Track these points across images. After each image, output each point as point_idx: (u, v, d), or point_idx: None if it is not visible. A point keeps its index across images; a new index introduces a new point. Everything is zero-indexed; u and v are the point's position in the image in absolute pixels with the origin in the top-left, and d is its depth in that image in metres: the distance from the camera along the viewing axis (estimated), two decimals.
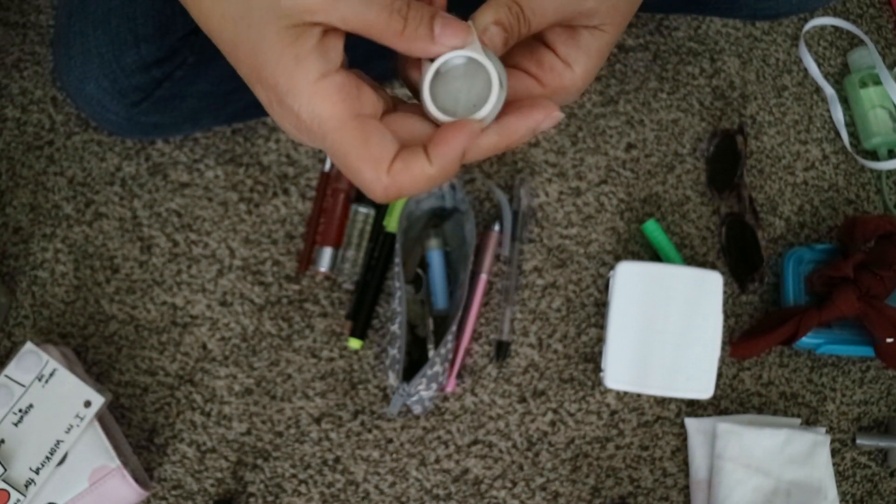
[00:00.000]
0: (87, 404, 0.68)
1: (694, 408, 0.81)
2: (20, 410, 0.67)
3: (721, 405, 0.82)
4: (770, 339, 0.78)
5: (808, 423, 0.82)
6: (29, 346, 0.68)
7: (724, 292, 0.83)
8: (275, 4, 0.34)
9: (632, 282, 0.78)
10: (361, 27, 0.34)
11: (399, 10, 0.34)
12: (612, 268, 0.81)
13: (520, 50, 0.41)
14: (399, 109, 0.39)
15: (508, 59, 0.41)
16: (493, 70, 0.35)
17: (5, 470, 0.66)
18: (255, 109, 0.81)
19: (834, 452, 0.82)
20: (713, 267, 0.85)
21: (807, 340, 0.80)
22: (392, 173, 0.34)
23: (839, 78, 0.93)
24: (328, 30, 0.35)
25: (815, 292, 0.81)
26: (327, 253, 0.80)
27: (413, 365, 0.77)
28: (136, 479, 0.69)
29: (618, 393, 0.81)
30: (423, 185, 0.35)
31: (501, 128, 0.36)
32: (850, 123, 0.91)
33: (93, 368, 0.77)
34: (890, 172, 0.90)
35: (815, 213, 0.88)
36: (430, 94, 0.36)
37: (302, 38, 0.34)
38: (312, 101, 0.34)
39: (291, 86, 0.34)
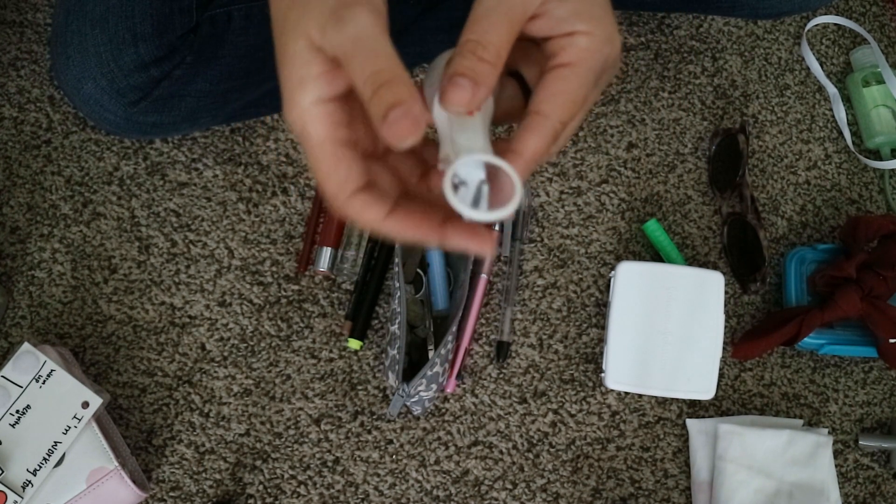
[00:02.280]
0: (85, 405, 0.68)
1: (695, 408, 0.81)
2: (17, 412, 0.67)
3: (723, 406, 0.81)
4: (772, 340, 0.77)
5: (811, 425, 0.82)
6: (26, 346, 0.68)
7: (726, 292, 0.83)
8: (309, 17, 0.36)
9: (633, 282, 0.77)
10: (352, 78, 0.36)
11: (376, 76, 0.34)
12: (613, 268, 0.81)
13: (524, 60, 0.40)
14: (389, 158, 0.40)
15: (523, 68, 0.40)
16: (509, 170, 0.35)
17: (2, 471, 0.65)
18: (253, 109, 0.81)
19: (836, 454, 0.81)
20: (715, 267, 0.84)
21: (809, 341, 0.80)
22: (350, 200, 0.37)
23: (842, 77, 0.93)
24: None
25: (817, 292, 0.81)
26: (327, 253, 0.79)
27: (413, 365, 0.77)
28: (135, 481, 0.69)
29: (619, 393, 0.81)
30: (368, 227, 0.37)
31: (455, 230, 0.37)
32: (853, 122, 0.91)
33: (90, 369, 0.77)
34: (893, 172, 0.90)
35: (818, 212, 0.88)
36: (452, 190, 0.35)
37: (313, 62, 0.36)
38: (304, 117, 0.37)
39: (292, 98, 0.37)
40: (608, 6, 0.38)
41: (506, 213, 0.35)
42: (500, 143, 0.38)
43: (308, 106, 0.36)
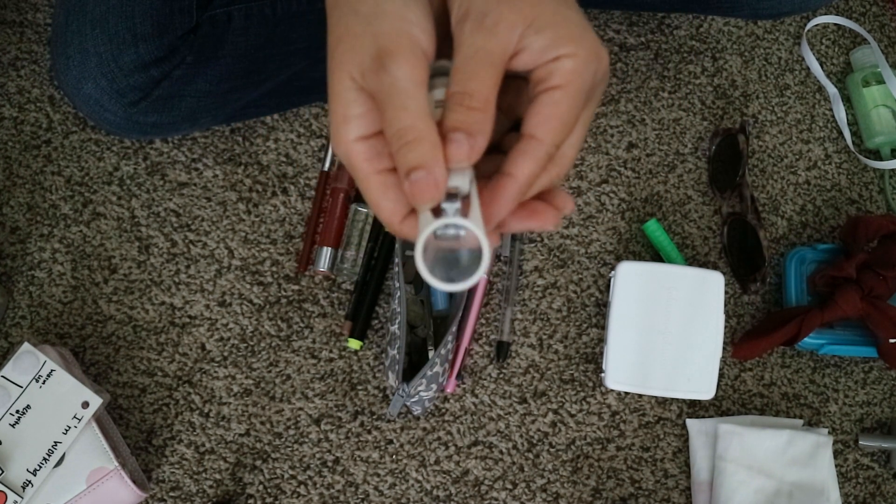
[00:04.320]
0: (85, 405, 0.68)
1: (695, 409, 0.81)
2: (17, 412, 0.67)
3: (723, 406, 0.81)
4: (772, 340, 0.77)
5: (811, 425, 0.82)
6: (26, 346, 0.68)
7: (726, 292, 0.83)
8: (352, 57, 0.37)
9: (633, 282, 0.77)
10: (382, 121, 0.37)
11: (401, 134, 0.36)
12: (613, 268, 0.81)
13: (517, 99, 0.40)
14: None
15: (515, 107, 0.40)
16: (480, 235, 0.35)
17: (2, 472, 0.65)
18: (253, 109, 0.81)
19: (836, 454, 0.81)
20: (715, 267, 0.84)
21: (809, 341, 0.80)
22: (403, 224, 0.38)
23: (842, 77, 0.93)
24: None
25: (817, 292, 0.81)
26: (327, 253, 0.80)
27: (413, 366, 0.77)
28: (135, 481, 0.69)
29: (619, 393, 0.81)
30: None
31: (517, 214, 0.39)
32: (853, 122, 0.91)
33: (91, 369, 0.77)
34: (893, 172, 0.90)
35: (818, 212, 0.88)
36: (423, 259, 0.36)
37: (356, 102, 0.37)
38: (349, 152, 0.38)
39: (337, 133, 0.39)
40: (586, 23, 0.38)
41: (466, 285, 0.36)
42: (490, 162, 0.38)
43: (351, 142, 0.38)
